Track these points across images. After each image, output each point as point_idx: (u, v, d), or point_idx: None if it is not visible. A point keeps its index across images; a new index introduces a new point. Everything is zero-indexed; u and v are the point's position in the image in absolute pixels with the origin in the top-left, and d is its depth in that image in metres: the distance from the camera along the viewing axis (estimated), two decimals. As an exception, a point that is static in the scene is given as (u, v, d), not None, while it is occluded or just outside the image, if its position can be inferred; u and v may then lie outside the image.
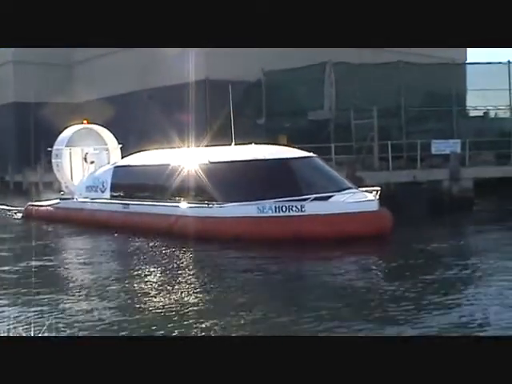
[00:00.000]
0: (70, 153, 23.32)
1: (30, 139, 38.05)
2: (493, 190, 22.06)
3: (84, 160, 23.01)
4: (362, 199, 15.72)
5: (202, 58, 30.40)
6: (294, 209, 15.39)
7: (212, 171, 17.31)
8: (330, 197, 15.63)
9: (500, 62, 27.53)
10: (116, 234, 17.84)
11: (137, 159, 21.10)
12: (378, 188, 16.45)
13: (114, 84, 36.95)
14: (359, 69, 26.30)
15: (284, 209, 15.47)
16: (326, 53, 21.21)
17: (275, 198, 15.62)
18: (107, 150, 23.37)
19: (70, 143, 23.36)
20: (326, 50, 9.13)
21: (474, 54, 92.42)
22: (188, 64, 30.54)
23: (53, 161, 23.89)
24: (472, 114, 29.84)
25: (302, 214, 15.29)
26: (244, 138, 19.58)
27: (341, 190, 16.12)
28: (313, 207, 15.25)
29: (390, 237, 15.29)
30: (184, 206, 17.42)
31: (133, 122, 33.24)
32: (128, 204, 19.39)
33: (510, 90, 27.75)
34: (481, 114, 29.53)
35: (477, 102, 28.82)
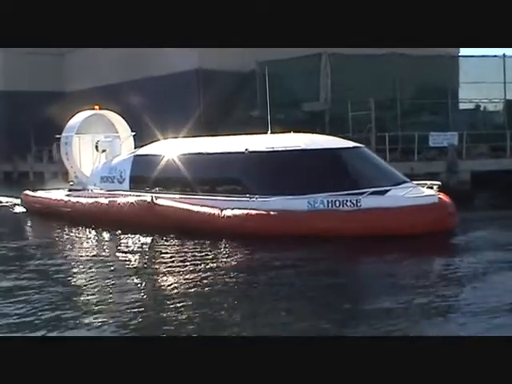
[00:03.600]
0: (79, 140, 21.83)
1: (19, 128, 37.63)
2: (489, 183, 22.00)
3: (95, 148, 21.44)
4: (422, 194, 14.65)
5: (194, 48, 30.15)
6: (348, 203, 14.31)
7: (251, 161, 16.08)
8: (387, 191, 14.58)
9: (495, 56, 27.55)
10: None
11: (160, 148, 19.29)
12: (438, 183, 15.47)
13: (104, 74, 36.68)
14: (355, 60, 26.18)
15: (338, 203, 14.40)
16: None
17: (327, 192, 14.51)
18: (119, 138, 21.83)
19: (79, 130, 21.87)
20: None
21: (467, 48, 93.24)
22: (181, 53, 30.30)
23: (61, 149, 22.42)
24: (466, 106, 29.87)
25: (357, 208, 14.22)
26: (239, 130, 19.39)
27: (397, 183, 15.06)
28: (370, 202, 14.17)
29: (453, 233, 14.26)
30: (220, 199, 15.81)
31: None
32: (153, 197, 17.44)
33: (504, 82, 27.80)
34: (473, 106, 29.59)
35: (471, 94, 28.88)
